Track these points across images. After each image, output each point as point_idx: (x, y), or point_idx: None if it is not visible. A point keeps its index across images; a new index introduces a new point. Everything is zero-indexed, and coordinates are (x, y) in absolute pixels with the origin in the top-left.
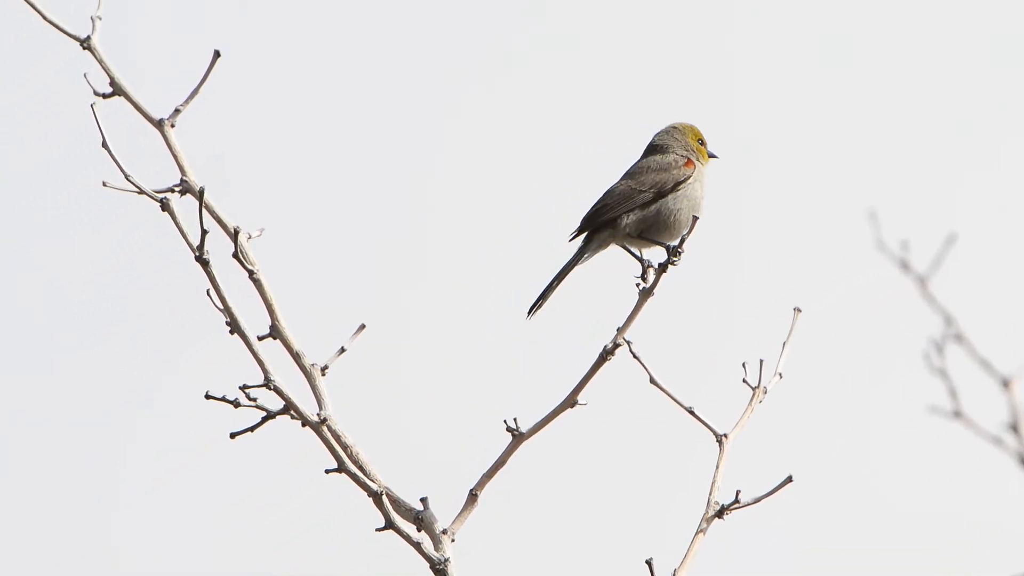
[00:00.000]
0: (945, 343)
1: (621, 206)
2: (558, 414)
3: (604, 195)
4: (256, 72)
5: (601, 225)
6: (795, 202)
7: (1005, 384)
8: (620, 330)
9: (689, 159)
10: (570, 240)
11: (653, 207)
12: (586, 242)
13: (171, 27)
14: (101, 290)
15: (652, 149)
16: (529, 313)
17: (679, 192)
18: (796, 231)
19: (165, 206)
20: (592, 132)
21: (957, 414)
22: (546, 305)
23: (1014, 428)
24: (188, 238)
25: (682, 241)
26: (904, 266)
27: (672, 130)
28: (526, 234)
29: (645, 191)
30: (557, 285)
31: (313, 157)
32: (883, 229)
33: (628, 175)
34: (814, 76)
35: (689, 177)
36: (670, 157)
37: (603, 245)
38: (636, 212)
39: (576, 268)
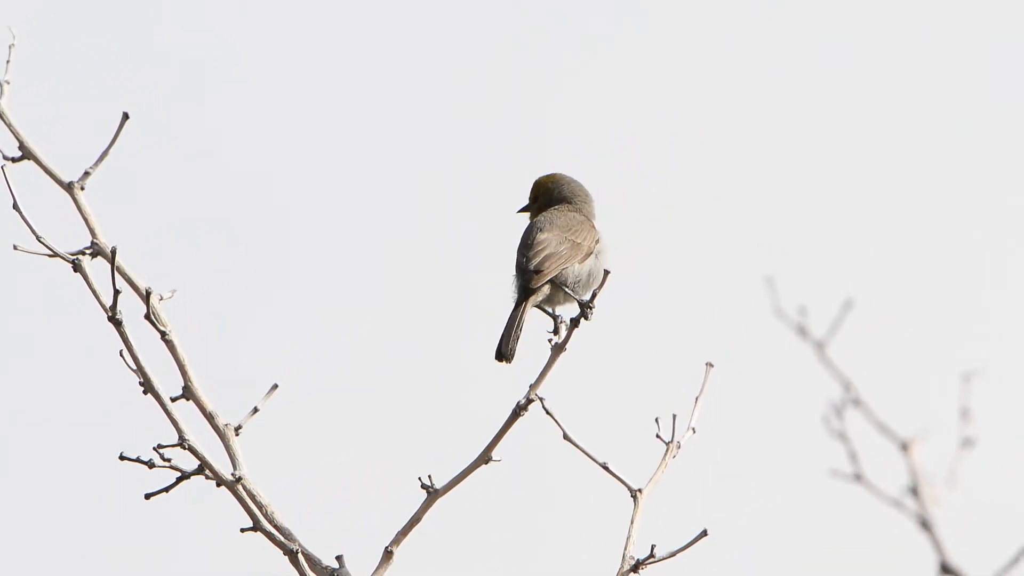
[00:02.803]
0: (844, 407)
1: (568, 260)
2: (472, 470)
3: (540, 244)
4: (164, 133)
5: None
6: (702, 263)
7: (904, 447)
8: (533, 386)
9: (591, 223)
10: (529, 286)
11: (587, 263)
12: (523, 288)
13: (77, 90)
14: (12, 353)
15: (561, 200)
16: (505, 359)
17: (598, 248)
18: (702, 291)
19: (77, 267)
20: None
21: (857, 477)
22: (516, 348)
23: (913, 491)
24: (100, 298)
25: (594, 296)
26: (802, 331)
27: (571, 182)
28: (434, 289)
29: (586, 246)
30: (519, 326)
31: (218, 216)
32: (781, 295)
33: (560, 228)
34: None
35: (598, 238)
36: (582, 213)
37: (535, 297)
38: (575, 267)
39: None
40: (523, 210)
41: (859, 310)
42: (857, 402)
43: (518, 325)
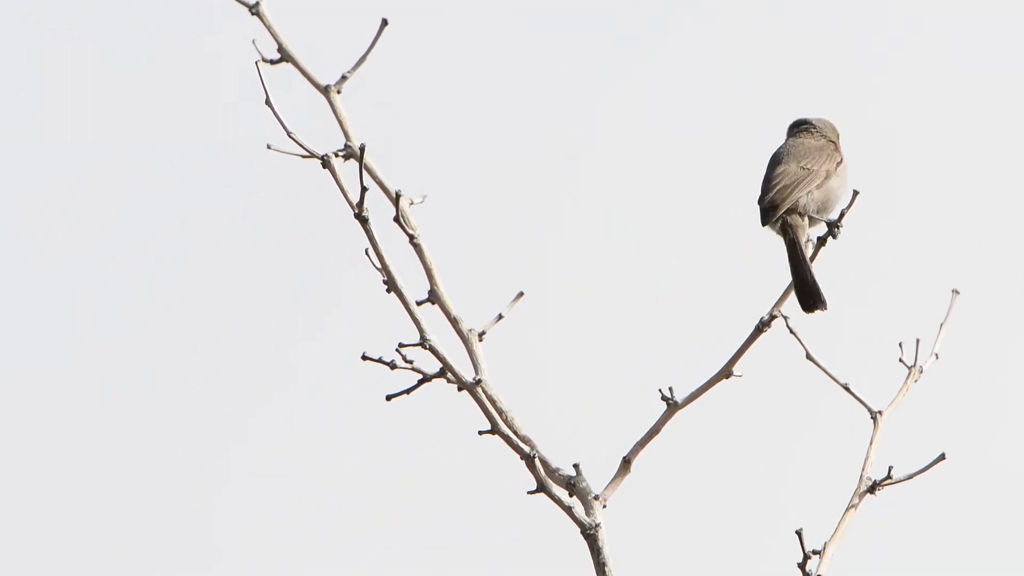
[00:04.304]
0: None
1: (801, 187)
2: (713, 384)
3: (776, 177)
4: (422, 42)
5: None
6: (954, 194)
7: None
8: (777, 303)
9: (834, 142)
10: (764, 225)
11: (824, 186)
12: (782, 226)
13: None
14: (260, 248)
15: (799, 130)
16: (817, 307)
17: (839, 171)
18: (957, 216)
19: (326, 163)
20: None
21: None
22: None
23: None
24: (348, 196)
25: (842, 215)
26: None
27: (817, 119)
28: (678, 208)
29: (818, 170)
30: (809, 269)
31: (477, 130)
32: None
33: (792, 157)
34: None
35: (841, 161)
36: (820, 140)
37: (802, 230)
38: (814, 192)
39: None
40: None
41: None
42: None
43: (803, 265)
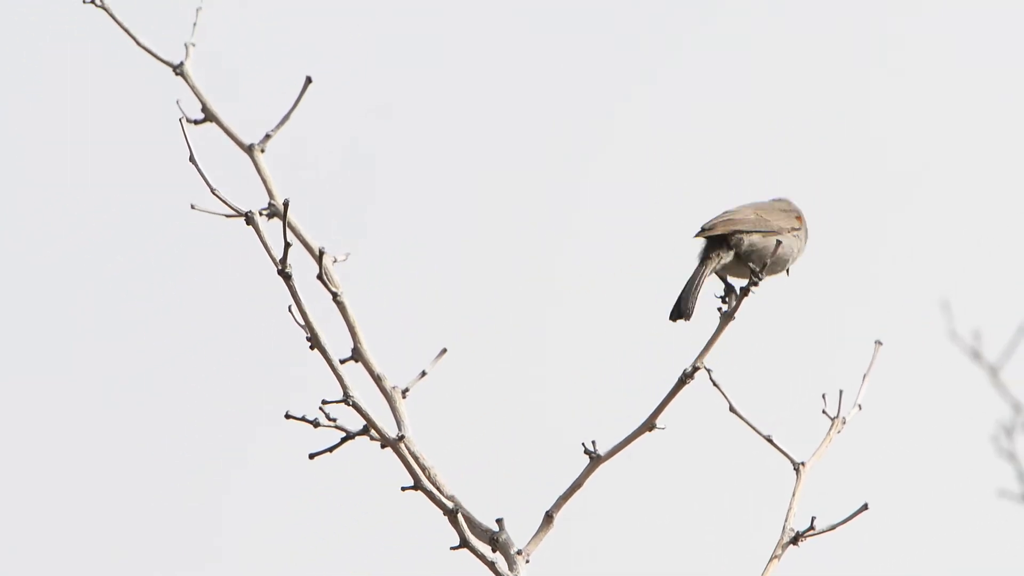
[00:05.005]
0: (1014, 429)
1: (745, 225)
2: (636, 437)
3: (729, 212)
4: (343, 97)
5: (719, 236)
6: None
7: None
8: (700, 354)
9: (799, 216)
10: (695, 236)
11: (769, 238)
12: (706, 252)
13: (264, 53)
14: (183, 306)
15: (774, 199)
16: (683, 316)
17: (789, 235)
18: (880, 268)
19: (250, 220)
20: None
21: None
22: (695, 307)
23: None
24: (272, 253)
25: (763, 267)
26: (976, 355)
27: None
28: (597, 261)
29: (771, 223)
30: (699, 285)
31: (397, 184)
32: (956, 319)
33: (754, 206)
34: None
35: (799, 228)
36: (789, 208)
37: (717, 260)
38: (754, 236)
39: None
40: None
41: None
42: None
43: (697, 284)
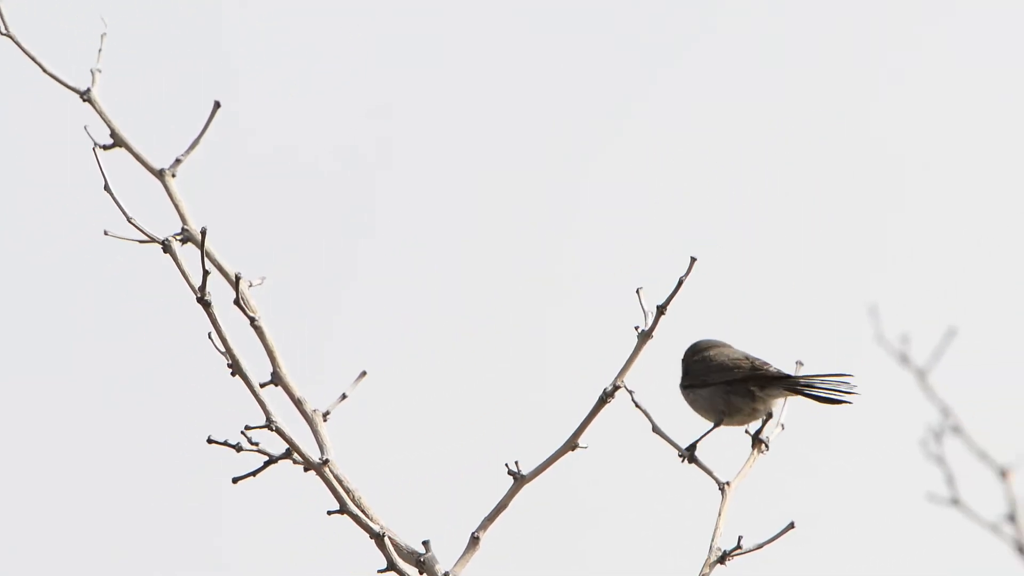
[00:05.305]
0: (943, 433)
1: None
2: (559, 457)
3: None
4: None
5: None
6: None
7: (1003, 474)
8: (620, 373)
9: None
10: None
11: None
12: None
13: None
14: (102, 335)
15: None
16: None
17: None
18: (799, 284)
19: (167, 248)
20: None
21: (954, 501)
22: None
23: (1011, 518)
24: (190, 280)
25: (680, 284)
26: (904, 359)
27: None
28: (526, 273)
29: None
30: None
31: (308, 206)
32: (884, 323)
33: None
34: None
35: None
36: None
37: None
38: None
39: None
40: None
41: (962, 339)
42: (956, 429)
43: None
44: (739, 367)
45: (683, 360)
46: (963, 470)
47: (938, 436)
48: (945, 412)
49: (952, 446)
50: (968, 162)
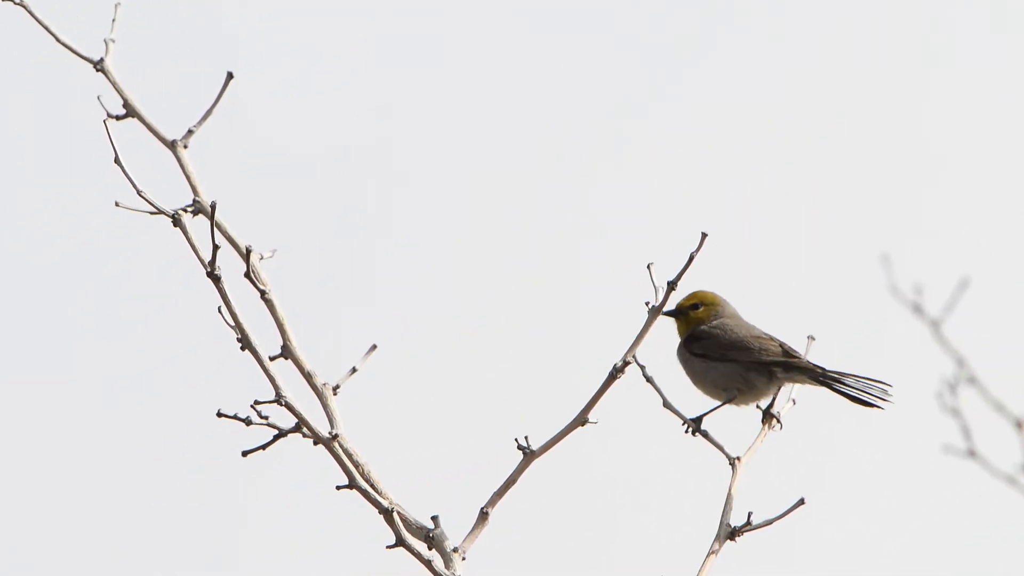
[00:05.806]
0: (958, 384)
1: None
2: (569, 432)
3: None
4: (268, 91)
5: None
6: (812, 240)
7: (1019, 425)
8: (630, 348)
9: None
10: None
11: None
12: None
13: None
14: (111, 308)
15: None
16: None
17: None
18: (812, 268)
19: (177, 221)
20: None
21: (971, 453)
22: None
23: None
24: (200, 254)
25: (691, 258)
26: (918, 309)
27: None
28: (540, 255)
29: None
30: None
31: (322, 178)
32: (897, 273)
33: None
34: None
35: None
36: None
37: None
38: None
39: None
40: (670, 314)
41: (975, 289)
42: (971, 380)
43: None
44: (766, 350)
45: (681, 312)
46: (979, 421)
47: (953, 387)
48: (960, 363)
49: (967, 397)
50: (978, 115)
